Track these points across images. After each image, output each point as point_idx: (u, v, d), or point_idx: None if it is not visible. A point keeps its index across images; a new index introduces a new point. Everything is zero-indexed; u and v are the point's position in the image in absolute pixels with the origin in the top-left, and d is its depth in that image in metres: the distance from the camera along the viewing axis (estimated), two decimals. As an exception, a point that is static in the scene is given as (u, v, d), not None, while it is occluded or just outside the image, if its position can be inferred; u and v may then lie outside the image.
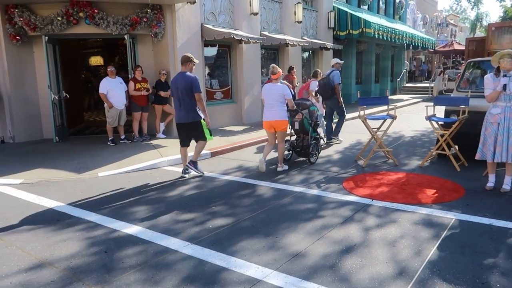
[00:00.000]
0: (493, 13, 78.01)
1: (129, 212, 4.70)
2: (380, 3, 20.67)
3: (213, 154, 7.80)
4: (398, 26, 19.79)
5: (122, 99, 8.53)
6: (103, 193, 5.43)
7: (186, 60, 6.08)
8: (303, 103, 7.19)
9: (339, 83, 8.76)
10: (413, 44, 20.02)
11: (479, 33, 49.11)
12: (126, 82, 8.75)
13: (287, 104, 6.52)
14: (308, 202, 4.90)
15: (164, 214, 4.58)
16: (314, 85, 8.88)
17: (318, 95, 8.74)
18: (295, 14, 13.29)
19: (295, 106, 6.83)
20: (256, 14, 11.47)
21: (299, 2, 13.31)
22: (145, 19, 8.86)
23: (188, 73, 6.04)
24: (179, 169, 6.60)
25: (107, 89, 8.34)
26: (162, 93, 9.05)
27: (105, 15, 8.47)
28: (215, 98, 11.13)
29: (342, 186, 5.53)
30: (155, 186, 5.78)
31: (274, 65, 6.61)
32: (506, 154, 4.92)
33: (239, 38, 10.02)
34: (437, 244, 3.60)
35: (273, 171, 6.48)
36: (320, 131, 8.28)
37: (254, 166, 6.86)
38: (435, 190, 5.21)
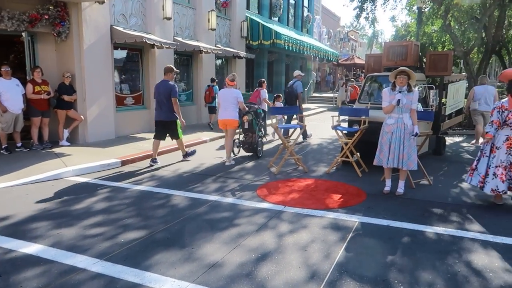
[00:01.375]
0: (387, 31, 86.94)
1: (27, 229, 4.25)
2: (290, 16, 21.72)
3: (124, 162, 7.42)
4: (305, 38, 20.99)
5: (19, 102, 7.69)
6: (-5, 209, 4.84)
7: (168, 71, 7.35)
8: (252, 106, 8.30)
9: (301, 92, 10.17)
10: (319, 56, 21.40)
11: (375, 49, 54.27)
12: (24, 84, 7.92)
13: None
14: (224, 211, 4.92)
15: (69, 230, 4.23)
16: (264, 93, 10.22)
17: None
18: (209, 22, 13.33)
19: (246, 108, 7.87)
20: (169, 19, 11.25)
21: (212, 10, 13.39)
22: (46, 16, 8.14)
23: (170, 81, 7.30)
24: (86, 179, 6.16)
25: (0, 91, 7.46)
26: (66, 97, 8.39)
27: (-2, 9, 7.60)
28: (125, 104, 10.63)
29: (256, 193, 5.67)
30: (58, 199, 5.31)
31: (234, 73, 7.99)
32: (398, 160, 5.51)
33: (152, 43, 9.72)
34: (343, 246, 3.88)
35: (187, 179, 6.39)
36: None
37: (167, 175, 6.70)
38: (341, 195, 5.61)
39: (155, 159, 7.51)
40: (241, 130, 8.17)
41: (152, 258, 3.58)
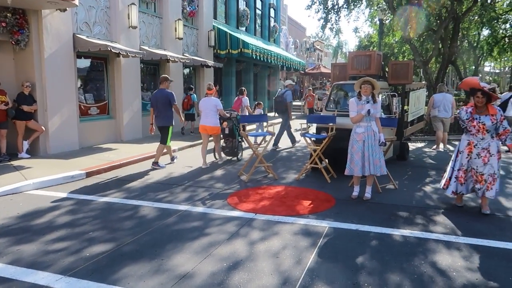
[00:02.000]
0: (351, 41, 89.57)
1: (-17, 246, 4.01)
2: (257, 26, 21.95)
3: (89, 174, 7.18)
4: (273, 48, 21.25)
5: (-26, 113, 7.31)
6: None
7: (164, 80, 8.02)
8: (232, 112, 8.83)
9: (291, 101, 10.50)
10: (286, 65, 21.71)
11: (340, 59, 55.71)
12: (-21, 94, 7.54)
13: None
14: (194, 220, 4.85)
15: (29, 246, 4.02)
16: (246, 100, 10.86)
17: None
18: (175, 31, 13.24)
19: (227, 115, 8.46)
20: (135, 27, 11.09)
21: (179, 19, 13.32)
22: (3, 24, 7.81)
23: (166, 89, 7.89)
24: (48, 193, 5.93)
25: (-48, 101, 7.08)
26: (26, 108, 8.06)
27: (-50, 15, 7.23)
28: (89, 114, 10.32)
29: (227, 202, 5.63)
30: (17, 214, 5.05)
31: (210, 82, 8.74)
32: (374, 167, 5.62)
33: (117, 51, 9.53)
34: (314, 252, 3.90)
35: (156, 189, 6.26)
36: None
37: (135, 186, 6.54)
38: (310, 201, 5.66)
39: (157, 162, 7.99)
40: (221, 135, 8.68)
41: (119, 272, 3.46)
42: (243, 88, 11.40)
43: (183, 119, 8.51)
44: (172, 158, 8.51)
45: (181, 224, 4.70)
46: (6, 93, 7.86)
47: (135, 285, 3.24)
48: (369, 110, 5.51)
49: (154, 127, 7.94)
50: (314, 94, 16.67)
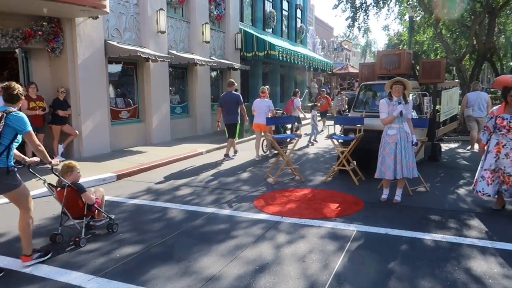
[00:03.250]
0: (380, 40, 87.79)
1: (19, 246, 4.18)
2: (283, 27, 21.89)
3: (119, 176, 7.37)
4: (299, 49, 21.12)
5: (13, 119, 7.65)
6: (-11, 227, 4.77)
7: (230, 84, 9.26)
8: (278, 112, 10.46)
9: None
10: (313, 66, 21.52)
11: (369, 58, 54.75)
12: (17, 100, 7.88)
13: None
14: (221, 223, 4.88)
15: (63, 246, 4.17)
16: (297, 101, 11.85)
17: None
18: (203, 34, 13.40)
19: (278, 114, 10.03)
20: (163, 32, 11.31)
21: (206, 23, 13.48)
22: (40, 33, 8.15)
23: (233, 91, 9.14)
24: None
25: (-7, 108, 7.43)
26: (61, 113, 8.37)
27: (-9, 26, 7.61)
28: (120, 118, 10.61)
29: (253, 204, 5.63)
30: (52, 215, 5.25)
31: (263, 86, 10.15)
32: (407, 169, 5.47)
33: (146, 56, 9.75)
34: (342, 256, 3.84)
35: (184, 192, 6.34)
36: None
37: (164, 188, 6.66)
38: (338, 204, 5.58)
39: (228, 154, 9.18)
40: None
41: (148, 273, 3.53)
42: (296, 90, 12.35)
43: (247, 118, 9.53)
44: (235, 151, 9.57)
45: (208, 227, 4.74)
46: (43, 99, 8.21)
47: (162, 286, 3.29)
48: (401, 111, 5.36)
49: (220, 123, 9.16)
50: (327, 96, 15.64)
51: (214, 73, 15.19)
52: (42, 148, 3.83)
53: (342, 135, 7.51)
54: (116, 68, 10.52)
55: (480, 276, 3.40)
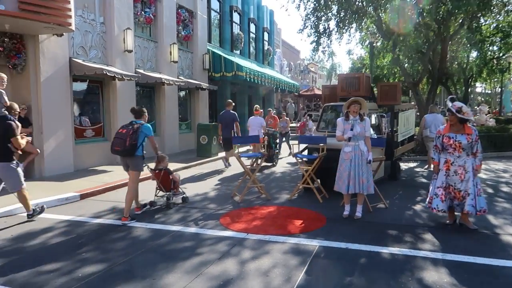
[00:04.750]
0: (344, 63, 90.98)
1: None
2: (251, 49, 22.38)
3: (83, 196, 7.23)
4: (267, 70, 21.61)
5: (-31, 136, 7.37)
6: None
7: (229, 104, 10.68)
8: (270, 129, 11.61)
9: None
10: (281, 87, 22.04)
11: (334, 80, 56.52)
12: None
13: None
14: (186, 241, 4.90)
15: (22, 267, 4.06)
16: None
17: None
18: (170, 54, 13.51)
19: (267, 131, 11.22)
20: (130, 51, 11.33)
21: (174, 43, 13.62)
22: (1, 49, 8.01)
23: (230, 110, 10.47)
24: (42, 215, 5.97)
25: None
26: (22, 130, 8.12)
27: (-51, 41, 7.40)
28: (85, 136, 10.42)
29: (219, 222, 5.69)
30: (11, 236, 5.09)
31: (257, 105, 11.88)
32: (359, 185, 5.75)
33: (112, 75, 9.71)
34: (304, 270, 3.97)
35: (149, 211, 6.31)
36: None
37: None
38: (302, 221, 5.73)
39: (229, 163, 10.71)
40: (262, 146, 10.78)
41: (111, 291, 3.51)
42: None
43: (240, 133, 10.53)
44: (228, 164, 10.77)
45: (173, 245, 4.75)
46: (2, 116, 7.97)
47: (126, 304, 3.28)
48: (350, 137, 5.71)
49: (221, 137, 10.49)
50: (274, 116, 15.40)
51: (182, 93, 15.27)
52: (156, 145, 6.26)
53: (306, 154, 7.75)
54: (81, 86, 10.39)
55: (431, 286, 3.62)
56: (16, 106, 5.91)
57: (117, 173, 9.30)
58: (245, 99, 21.63)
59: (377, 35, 15.30)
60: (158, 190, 6.71)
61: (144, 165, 6.05)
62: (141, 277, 3.81)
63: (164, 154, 6.97)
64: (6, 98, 5.89)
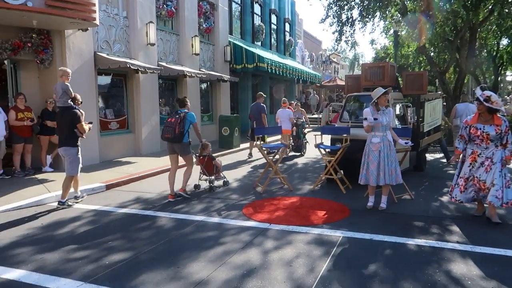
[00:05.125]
0: (367, 53, 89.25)
1: (8, 255, 4.20)
2: (272, 40, 22.23)
3: (108, 187, 7.39)
4: (288, 62, 21.45)
5: (1, 129, 7.65)
6: (-24, 236, 4.77)
7: (259, 96, 11.31)
8: (299, 120, 11.77)
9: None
10: (302, 78, 21.84)
11: (357, 71, 55.61)
12: (6, 111, 7.90)
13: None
14: (209, 230, 4.94)
15: (52, 254, 4.19)
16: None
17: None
18: (192, 47, 13.57)
19: (295, 121, 11.44)
20: (153, 44, 11.44)
21: (196, 36, 13.66)
22: (29, 44, 8.21)
23: (261, 103, 11.11)
24: (70, 204, 6.13)
25: (-18, 118, 7.45)
26: (49, 123, 8.37)
27: (-20, 37, 7.64)
28: (110, 128, 10.63)
29: (242, 212, 5.71)
30: (41, 224, 5.26)
31: (285, 98, 12.72)
32: (389, 176, 5.64)
33: (136, 68, 9.84)
34: (327, 261, 3.94)
35: (173, 201, 6.39)
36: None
37: (153, 197, 6.70)
38: (325, 212, 5.69)
39: (251, 154, 11.20)
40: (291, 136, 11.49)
41: (137, 279, 3.58)
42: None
43: (266, 124, 11.13)
44: (250, 155, 11.23)
45: (197, 234, 4.81)
46: (32, 110, 8.22)
47: (151, 291, 3.34)
48: (375, 119, 5.56)
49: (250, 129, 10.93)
50: (302, 109, 15.34)
51: (204, 85, 15.34)
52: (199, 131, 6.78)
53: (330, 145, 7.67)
54: (105, 79, 10.58)
55: (460, 278, 3.53)
56: (79, 97, 6.62)
57: (141, 164, 9.47)
58: (266, 90, 21.55)
59: (402, 23, 14.90)
60: (201, 175, 7.26)
61: (192, 152, 6.72)
62: (165, 265, 3.87)
63: (207, 142, 7.51)
64: (71, 90, 6.30)
